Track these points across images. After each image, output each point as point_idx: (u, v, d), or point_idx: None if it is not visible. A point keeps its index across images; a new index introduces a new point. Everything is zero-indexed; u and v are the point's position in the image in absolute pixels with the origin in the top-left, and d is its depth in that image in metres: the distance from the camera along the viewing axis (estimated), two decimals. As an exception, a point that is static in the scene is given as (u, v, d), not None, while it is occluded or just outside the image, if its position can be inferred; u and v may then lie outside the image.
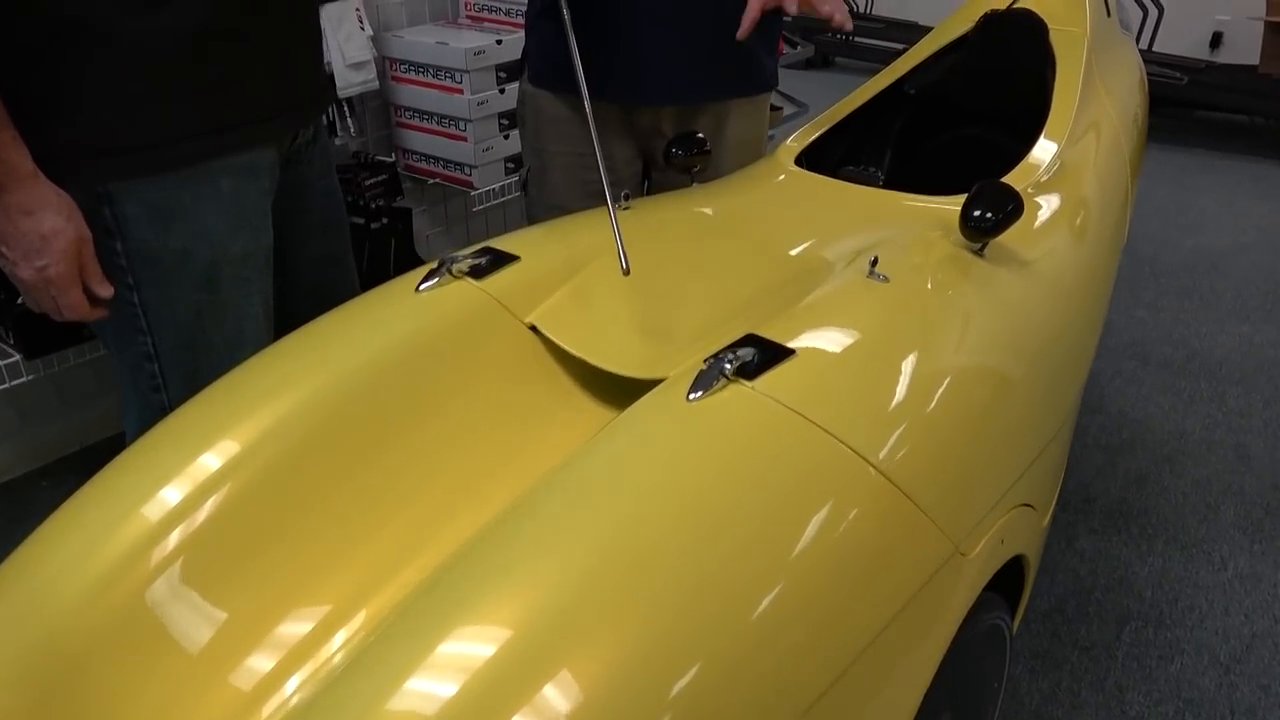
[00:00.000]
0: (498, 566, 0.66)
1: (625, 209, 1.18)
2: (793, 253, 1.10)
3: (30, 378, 1.84)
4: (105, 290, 0.98)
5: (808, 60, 4.96)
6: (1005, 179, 1.25)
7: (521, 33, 2.32)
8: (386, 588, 0.79)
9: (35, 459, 2.07)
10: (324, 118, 1.23)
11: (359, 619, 0.76)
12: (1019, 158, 1.34)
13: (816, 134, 1.46)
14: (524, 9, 2.40)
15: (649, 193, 1.64)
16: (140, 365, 1.08)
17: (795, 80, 3.86)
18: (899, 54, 5.36)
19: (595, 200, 1.56)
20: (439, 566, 0.74)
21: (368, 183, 2.28)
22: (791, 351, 0.82)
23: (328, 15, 2.08)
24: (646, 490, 0.70)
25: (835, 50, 5.52)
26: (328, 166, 1.24)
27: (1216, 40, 4.82)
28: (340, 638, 0.75)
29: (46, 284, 0.95)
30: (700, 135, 1.32)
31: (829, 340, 0.86)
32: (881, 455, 0.78)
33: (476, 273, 0.98)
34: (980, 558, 0.87)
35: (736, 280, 1.03)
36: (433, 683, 0.58)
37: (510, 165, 2.38)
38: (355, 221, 2.30)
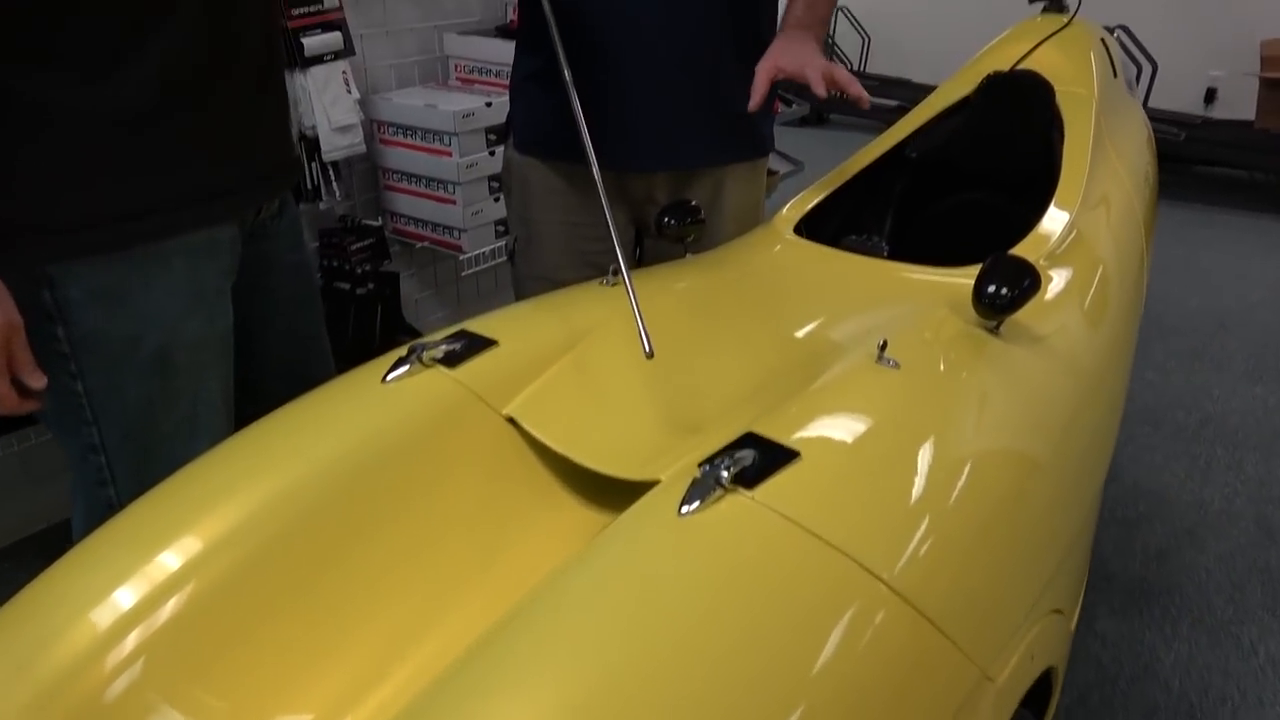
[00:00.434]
0: (481, 696, 0.57)
1: (612, 284, 1.10)
2: (794, 333, 1.02)
3: (-8, 455, 1.75)
4: (37, 381, 0.90)
5: (803, 118, 4.96)
6: (1016, 250, 1.18)
7: (511, 95, 2.30)
8: (361, 706, 0.69)
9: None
10: (300, 186, 1.17)
11: None
12: (1027, 223, 1.27)
13: (815, 200, 1.39)
14: (513, 72, 2.39)
15: (641, 262, 1.57)
16: (86, 457, 0.99)
17: (791, 138, 3.83)
18: (894, 111, 5.38)
19: (592, 271, 1.49)
20: (418, 686, 0.66)
21: (354, 247, 2.21)
22: (795, 454, 0.74)
23: (313, 78, 2.04)
24: (637, 621, 0.61)
25: (830, 108, 5.53)
26: (297, 240, 1.17)
27: (1211, 96, 4.83)
28: None
29: None
30: (694, 203, 1.25)
31: (836, 438, 0.78)
32: (897, 572, 0.69)
33: (450, 359, 0.90)
34: (1009, 681, 0.78)
35: (735, 366, 0.95)
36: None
37: (500, 228, 2.32)
38: (340, 287, 2.23)
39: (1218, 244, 3.75)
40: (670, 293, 1.10)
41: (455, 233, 2.27)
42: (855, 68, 5.69)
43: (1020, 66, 1.53)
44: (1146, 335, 2.94)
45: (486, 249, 2.32)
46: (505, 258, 2.37)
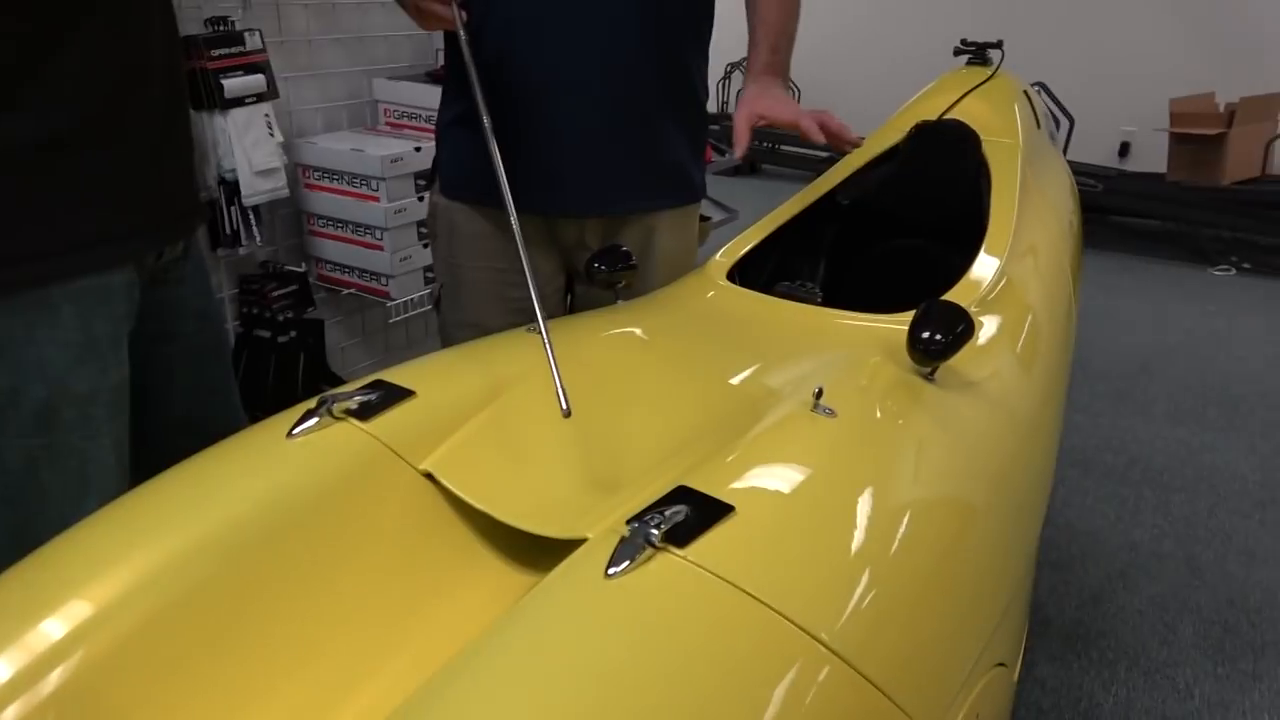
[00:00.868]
0: None
1: (537, 331, 1.06)
2: (727, 381, 0.99)
3: None
4: None
5: (735, 167, 5.02)
6: (948, 296, 1.17)
7: (441, 140, 2.26)
8: None
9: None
10: (218, 231, 1.10)
11: None
12: (957, 269, 1.27)
13: (748, 246, 1.37)
14: (447, 116, 2.35)
15: (572, 308, 1.53)
16: (-39, 522, 0.91)
17: (724, 187, 3.86)
18: (825, 160, 5.47)
19: (517, 319, 1.44)
20: None
21: (275, 293, 2.14)
22: (729, 508, 0.70)
23: (233, 121, 1.97)
24: (562, 693, 0.56)
25: (763, 158, 5.62)
26: (204, 285, 1.10)
27: (1125, 150, 5.03)
28: None
29: None
30: (625, 249, 1.23)
31: (772, 491, 0.74)
32: (837, 632, 0.65)
33: (363, 412, 0.84)
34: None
35: (665, 417, 0.91)
36: None
37: (429, 275, 2.27)
38: (261, 335, 2.15)
39: (1135, 290, 3.87)
40: (598, 341, 1.07)
41: (383, 279, 2.21)
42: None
43: (947, 116, 1.55)
44: (1073, 379, 3.00)
45: (415, 295, 2.27)
46: (432, 306, 2.34)
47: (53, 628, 0.65)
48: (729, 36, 1.62)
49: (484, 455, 0.85)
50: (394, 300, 2.22)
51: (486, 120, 1.09)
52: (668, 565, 0.65)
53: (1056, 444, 1.31)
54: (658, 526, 0.66)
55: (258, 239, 2.09)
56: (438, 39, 2.39)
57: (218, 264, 2.07)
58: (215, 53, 1.93)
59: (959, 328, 0.97)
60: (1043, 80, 3.71)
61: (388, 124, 2.38)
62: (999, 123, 1.53)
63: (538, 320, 0.90)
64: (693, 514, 0.68)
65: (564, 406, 0.80)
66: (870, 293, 1.30)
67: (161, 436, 1.06)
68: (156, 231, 0.98)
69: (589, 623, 0.60)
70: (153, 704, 0.65)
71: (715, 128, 3.54)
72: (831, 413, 0.86)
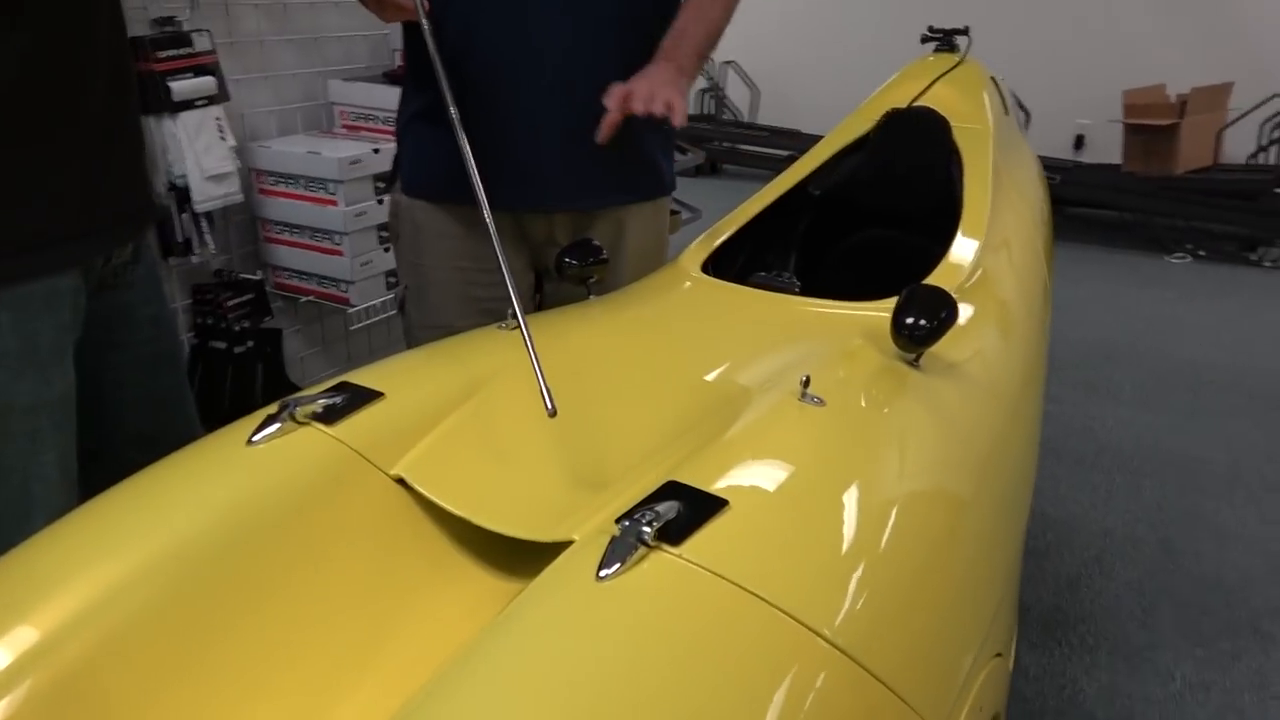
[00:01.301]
0: None
1: (510, 328, 1.02)
2: (710, 374, 0.95)
3: None
4: None
5: (697, 168, 5.00)
6: (929, 281, 1.15)
7: (399, 141, 2.21)
8: None
9: None
10: (169, 239, 1.05)
11: None
12: (931, 257, 1.25)
13: (720, 239, 1.34)
14: (400, 118, 2.30)
15: (541, 307, 1.49)
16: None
17: (685, 187, 3.83)
18: (785, 160, 5.50)
19: (485, 319, 1.39)
20: None
21: (230, 303, 2.07)
22: (723, 503, 0.66)
23: (183, 125, 1.91)
24: (560, 702, 0.52)
25: (723, 158, 5.62)
26: (155, 291, 1.05)
27: (1080, 142, 5.09)
28: None
29: None
30: (596, 243, 1.19)
31: (765, 484, 0.71)
32: (839, 627, 0.62)
33: (328, 415, 0.80)
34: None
35: (648, 412, 0.88)
36: None
37: (391, 279, 2.22)
38: (216, 346, 2.08)
39: (1096, 280, 3.91)
40: (575, 337, 1.03)
41: (343, 285, 2.15)
42: (746, 119, 5.80)
43: (917, 104, 1.54)
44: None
45: (377, 301, 2.21)
46: (396, 310, 2.28)
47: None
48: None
49: (459, 458, 0.80)
50: (355, 307, 2.16)
51: (454, 111, 1.05)
52: (662, 564, 0.61)
53: (1039, 428, 1.30)
54: (650, 524, 0.62)
55: (211, 247, 2.02)
56: (395, 39, 2.34)
57: (170, 273, 2.00)
58: (162, 54, 1.86)
59: (943, 313, 0.95)
60: (995, 76, 3.74)
61: (344, 126, 2.32)
62: (969, 109, 1.52)
63: (517, 316, 0.86)
64: (685, 510, 0.65)
65: (549, 406, 0.76)
66: (844, 283, 1.28)
67: (113, 451, 1.00)
68: (102, 234, 0.93)
69: (582, 628, 0.57)
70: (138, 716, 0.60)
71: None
72: (820, 401, 0.83)
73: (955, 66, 1.64)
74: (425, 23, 1.14)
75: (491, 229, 0.98)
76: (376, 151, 2.09)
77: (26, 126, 0.84)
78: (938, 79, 1.58)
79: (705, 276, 1.21)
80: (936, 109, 1.51)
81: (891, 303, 1.08)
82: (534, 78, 1.26)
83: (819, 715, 0.59)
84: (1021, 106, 4.01)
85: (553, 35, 1.25)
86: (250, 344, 2.08)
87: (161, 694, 0.62)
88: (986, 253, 1.24)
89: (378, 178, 2.12)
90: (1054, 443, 2.52)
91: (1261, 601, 1.87)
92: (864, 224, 1.57)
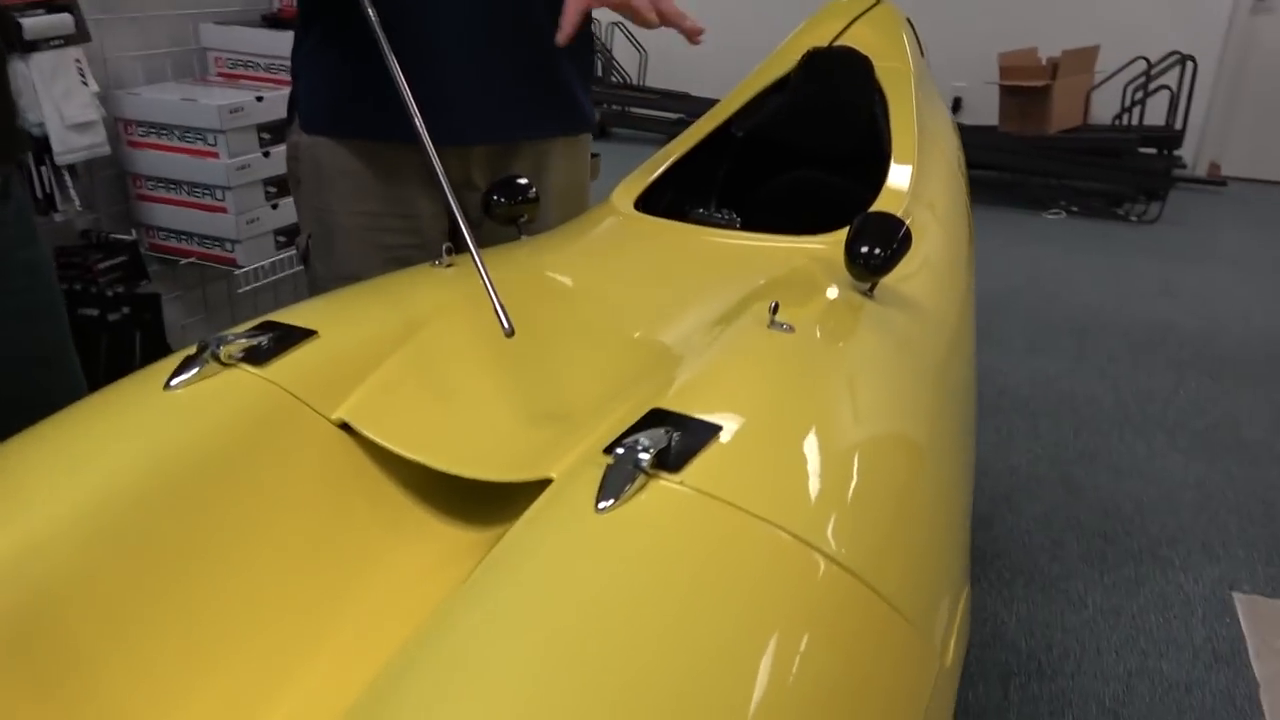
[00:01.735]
0: None
1: (446, 265, 0.94)
2: (667, 306, 0.90)
3: None
4: None
5: (588, 129, 4.91)
6: (875, 208, 1.13)
7: (287, 89, 2.05)
8: None
9: None
10: (21, 173, 0.92)
11: None
12: (856, 197, 1.23)
13: (649, 179, 1.29)
14: (283, 64, 2.14)
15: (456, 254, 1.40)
16: None
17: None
18: (675, 123, 5.41)
19: (396, 268, 1.31)
20: None
21: (102, 266, 1.89)
22: (716, 428, 0.62)
23: (37, 66, 1.71)
24: (574, 644, 0.46)
25: (612, 121, 5.54)
26: (29, 234, 0.92)
27: (957, 104, 5.25)
28: None
29: None
30: (523, 180, 1.11)
31: (752, 409, 0.67)
32: (846, 550, 0.59)
33: (256, 356, 0.71)
34: (953, 665, 0.70)
35: (610, 344, 0.82)
36: None
37: (281, 239, 2.07)
38: (88, 313, 1.89)
39: (981, 237, 4.01)
40: (520, 272, 0.96)
41: (228, 245, 1.99)
42: (634, 83, 5.74)
43: (837, 43, 1.51)
44: (935, 319, 3.10)
45: (266, 262, 2.06)
46: (292, 269, 2.13)
47: None
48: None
49: (406, 399, 0.73)
50: (242, 268, 2.01)
51: (374, 15, 0.95)
52: (662, 492, 0.56)
53: (973, 350, 1.30)
54: (646, 451, 0.56)
55: (76, 203, 1.83)
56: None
57: (29, 233, 1.81)
58: (8, -14, 1.67)
59: (897, 238, 0.93)
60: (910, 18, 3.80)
61: (220, 74, 2.14)
62: (889, 48, 1.50)
63: (463, 231, 0.78)
64: (679, 437, 0.60)
65: (506, 325, 0.69)
66: (771, 223, 1.24)
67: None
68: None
69: (587, 562, 0.51)
70: (81, 689, 0.51)
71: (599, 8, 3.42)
72: (790, 328, 0.79)
73: (873, 6, 1.62)
74: None
75: (430, 150, 0.89)
76: (260, 99, 1.94)
77: None
78: (857, 18, 1.56)
79: (642, 214, 1.16)
80: (858, 48, 1.49)
81: (836, 235, 1.05)
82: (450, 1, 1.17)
83: (832, 635, 0.55)
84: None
85: None
86: (126, 310, 1.90)
87: (88, 678, 0.53)
88: (920, 179, 1.23)
89: (262, 128, 1.97)
90: (956, 389, 2.58)
91: (1158, 529, 1.97)
92: (787, 164, 1.55)
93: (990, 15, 5.01)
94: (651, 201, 1.30)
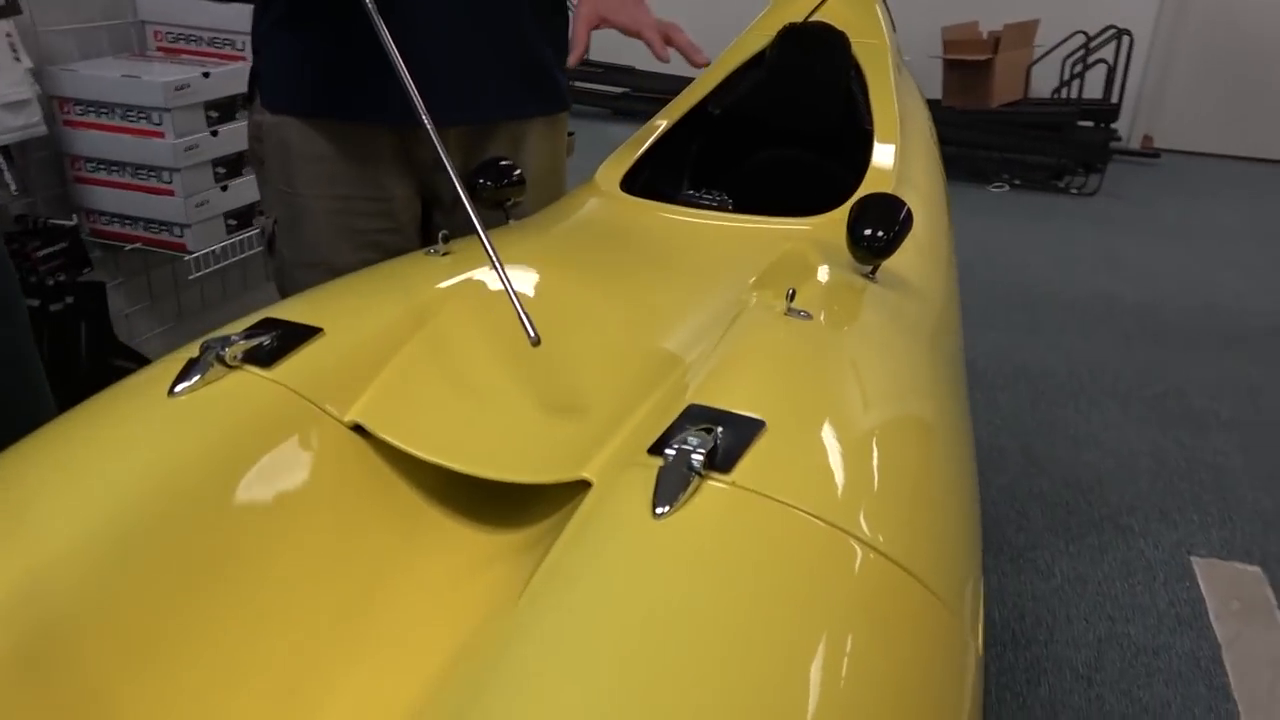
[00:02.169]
0: None
1: (443, 253, 0.90)
2: (675, 293, 0.88)
3: None
4: None
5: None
6: (862, 190, 1.12)
7: (235, 65, 1.96)
8: None
9: None
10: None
11: None
12: (835, 175, 1.23)
13: (631, 160, 1.26)
14: (229, 38, 2.04)
15: (427, 240, 1.36)
16: None
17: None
18: (619, 97, 5.34)
19: (375, 254, 1.25)
20: None
21: (41, 254, 1.79)
22: (760, 423, 0.60)
23: (-36, 41, 1.60)
24: (649, 657, 0.44)
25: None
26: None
27: (900, 77, 5.28)
28: None
29: None
30: (507, 162, 1.08)
31: (789, 401, 0.65)
32: (892, 543, 0.58)
33: (261, 357, 0.67)
34: (983, 648, 0.70)
35: (625, 335, 0.79)
36: None
37: (232, 222, 1.99)
38: (28, 304, 1.79)
39: (928, 208, 4.09)
40: (522, 260, 0.92)
41: (176, 229, 1.90)
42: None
43: (813, 19, 1.49)
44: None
45: (217, 246, 1.97)
46: (244, 254, 2.05)
47: None
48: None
49: (420, 397, 0.70)
50: (192, 253, 1.92)
51: (371, 5, 0.90)
52: (717, 494, 0.54)
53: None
54: (698, 453, 0.54)
55: (12, 186, 1.73)
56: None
57: (-39, 220, 1.71)
58: (-70, -46, 1.55)
59: (899, 220, 0.92)
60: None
61: (160, 49, 2.04)
62: (864, 24, 1.49)
63: (480, 236, 0.74)
64: (724, 434, 0.58)
65: (531, 334, 0.66)
66: (753, 202, 1.23)
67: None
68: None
69: (651, 573, 0.49)
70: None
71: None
72: (808, 315, 0.77)
73: (845, -18, 1.61)
74: None
75: (432, 130, 0.85)
76: (207, 76, 1.85)
77: None
78: (830, -7, 1.54)
79: (632, 197, 1.13)
80: (833, 24, 1.47)
81: (830, 216, 1.04)
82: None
83: (888, 630, 0.54)
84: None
85: None
86: (69, 300, 1.81)
87: (106, 703, 0.49)
88: (903, 158, 1.23)
89: (210, 106, 1.88)
90: (915, 363, 2.61)
91: (1117, 498, 2.02)
92: (763, 142, 1.53)
93: (932, -11, 5.04)
94: (629, 181, 1.27)
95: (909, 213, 0.92)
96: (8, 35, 1.67)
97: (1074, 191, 4.40)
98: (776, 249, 0.99)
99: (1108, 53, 4.57)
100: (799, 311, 0.77)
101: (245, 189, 1.96)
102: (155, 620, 0.53)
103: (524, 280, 0.85)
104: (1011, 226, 3.90)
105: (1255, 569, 1.80)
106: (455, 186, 1.32)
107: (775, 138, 1.52)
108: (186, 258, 1.93)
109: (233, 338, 0.66)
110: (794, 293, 0.78)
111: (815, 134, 1.49)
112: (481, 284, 0.82)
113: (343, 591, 0.60)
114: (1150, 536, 1.89)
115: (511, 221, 1.07)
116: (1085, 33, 4.64)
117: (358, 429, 0.66)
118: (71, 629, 0.50)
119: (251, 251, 2.07)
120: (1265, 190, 4.64)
